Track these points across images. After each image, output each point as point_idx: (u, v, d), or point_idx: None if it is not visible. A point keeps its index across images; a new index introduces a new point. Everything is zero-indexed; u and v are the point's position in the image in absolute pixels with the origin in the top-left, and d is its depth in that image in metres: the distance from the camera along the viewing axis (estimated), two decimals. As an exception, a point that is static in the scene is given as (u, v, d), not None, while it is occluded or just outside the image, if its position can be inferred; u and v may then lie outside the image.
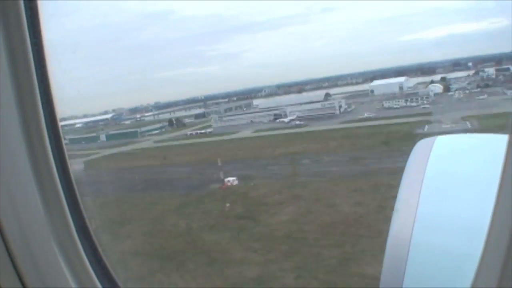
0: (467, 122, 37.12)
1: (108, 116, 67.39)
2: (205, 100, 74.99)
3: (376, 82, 61.16)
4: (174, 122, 65.69)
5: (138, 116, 69.35)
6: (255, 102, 70.16)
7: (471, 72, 55.64)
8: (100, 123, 65.03)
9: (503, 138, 1.46)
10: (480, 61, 55.32)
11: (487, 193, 1.36)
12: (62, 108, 1.99)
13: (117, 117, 68.75)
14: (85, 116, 59.87)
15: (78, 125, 58.72)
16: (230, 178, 35.07)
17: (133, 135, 58.04)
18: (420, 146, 1.74)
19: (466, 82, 52.82)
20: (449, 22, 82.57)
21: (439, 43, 66.62)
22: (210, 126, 59.67)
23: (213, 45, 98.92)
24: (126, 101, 75.19)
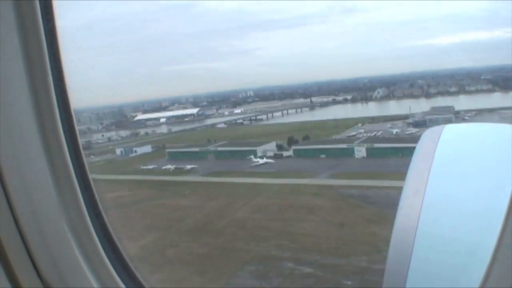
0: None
1: (194, 111, 62.71)
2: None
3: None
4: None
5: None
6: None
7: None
8: (185, 119, 61.39)
9: None
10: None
11: (495, 182, 1.43)
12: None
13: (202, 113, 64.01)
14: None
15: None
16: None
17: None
18: (428, 134, 1.71)
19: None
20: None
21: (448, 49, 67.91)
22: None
23: (228, 41, 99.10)
24: (129, 94, 73.90)
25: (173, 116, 65.08)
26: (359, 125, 52.00)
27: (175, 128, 62.15)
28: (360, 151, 41.63)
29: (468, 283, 1.37)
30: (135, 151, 50.74)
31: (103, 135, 55.13)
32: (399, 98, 58.89)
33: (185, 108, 68.03)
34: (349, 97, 64.13)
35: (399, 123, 49.25)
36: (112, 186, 36.15)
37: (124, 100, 64.15)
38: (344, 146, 43.47)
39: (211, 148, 48.75)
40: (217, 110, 68.29)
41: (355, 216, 29.54)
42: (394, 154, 37.69)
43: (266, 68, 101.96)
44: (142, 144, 53.33)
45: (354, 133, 48.56)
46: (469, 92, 54.59)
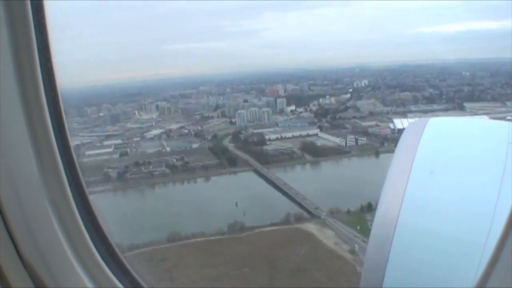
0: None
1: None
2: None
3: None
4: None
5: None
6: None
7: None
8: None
9: (498, 123, 1.64)
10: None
11: (478, 177, 1.45)
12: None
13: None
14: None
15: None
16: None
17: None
18: (412, 127, 1.71)
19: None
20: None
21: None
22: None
23: (238, 20, 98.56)
24: (129, 71, 73.68)
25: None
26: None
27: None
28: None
29: (448, 278, 1.37)
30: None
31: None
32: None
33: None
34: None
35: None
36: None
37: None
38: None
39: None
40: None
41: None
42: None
43: (267, 50, 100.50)
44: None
45: None
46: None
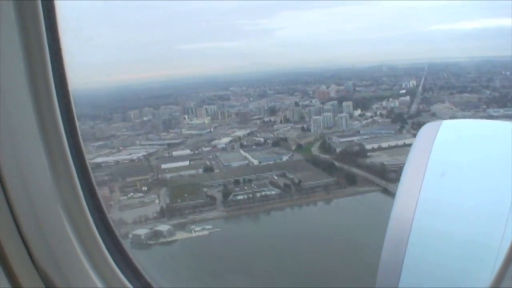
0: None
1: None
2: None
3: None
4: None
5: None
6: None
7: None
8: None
9: (511, 125, 1.64)
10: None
11: (492, 179, 1.46)
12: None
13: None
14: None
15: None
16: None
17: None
18: (426, 130, 1.73)
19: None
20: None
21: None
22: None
23: (256, 19, 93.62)
24: (141, 72, 69.89)
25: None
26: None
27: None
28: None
29: (463, 281, 1.37)
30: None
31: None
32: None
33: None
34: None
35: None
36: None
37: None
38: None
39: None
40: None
41: None
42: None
43: (279, 49, 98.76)
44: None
45: None
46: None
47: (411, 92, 54.18)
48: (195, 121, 55.02)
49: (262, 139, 48.45)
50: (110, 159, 43.15)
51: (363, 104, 54.17)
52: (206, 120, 55.07)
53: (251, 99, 59.07)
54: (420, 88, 54.49)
